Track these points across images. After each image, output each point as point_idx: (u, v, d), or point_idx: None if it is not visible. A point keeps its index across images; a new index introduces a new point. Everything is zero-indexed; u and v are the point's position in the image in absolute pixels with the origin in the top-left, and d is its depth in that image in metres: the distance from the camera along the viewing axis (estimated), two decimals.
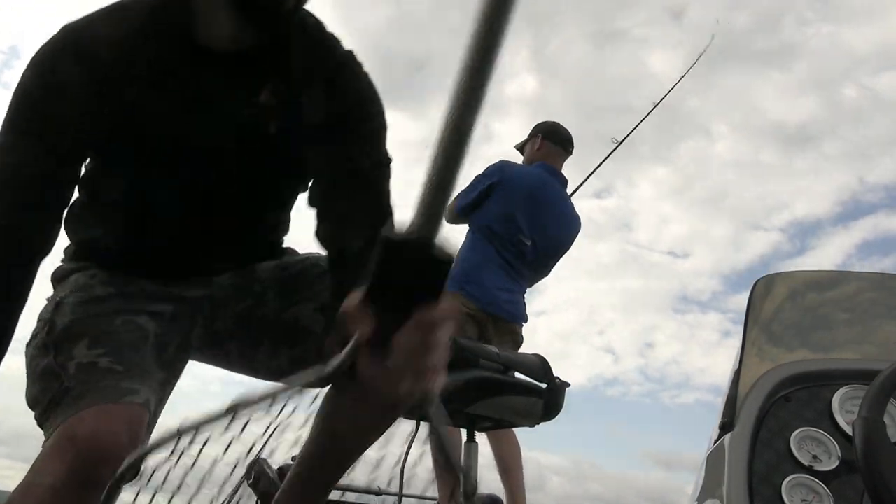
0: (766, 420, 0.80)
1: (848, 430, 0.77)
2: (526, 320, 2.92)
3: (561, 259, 3.09)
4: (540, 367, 1.88)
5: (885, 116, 10.71)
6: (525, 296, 2.97)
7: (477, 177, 2.94)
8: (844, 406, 0.80)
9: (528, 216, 2.89)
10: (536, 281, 3.09)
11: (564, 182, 3.10)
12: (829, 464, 0.76)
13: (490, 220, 2.86)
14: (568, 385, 1.87)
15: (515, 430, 2.77)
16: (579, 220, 3.12)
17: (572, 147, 3.15)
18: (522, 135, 3.25)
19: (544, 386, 1.85)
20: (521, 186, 2.90)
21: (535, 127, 3.17)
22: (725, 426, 0.82)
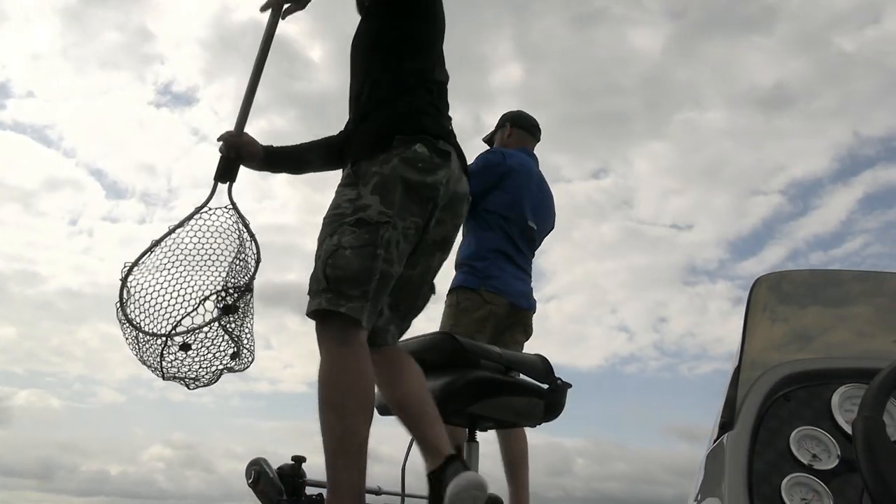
0: (765, 419, 0.79)
1: (848, 429, 0.77)
2: (535, 310, 2.94)
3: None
4: (541, 367, 1.88)
5: (872, 71, 10.67)
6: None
7: (480, 167, 2.92)
8: (844, 405, 0.80)
9: (531, 201, 2.92)
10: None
11: (537, 165, 3.15)
12: (829, 463, 0.75)
13: (501, 207, 2.87)
14: (569, 386, 1.87)
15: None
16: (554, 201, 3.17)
17: (540, 132, 3.20)
18: None
19: (545, 387, 1.84)
20: (523, 173, 2.92)
21: (501, 117, 3.22)
22: (725, 425, 0.82)
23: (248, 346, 1.76)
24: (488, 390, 1.74)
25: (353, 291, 1.64)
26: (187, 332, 1.73)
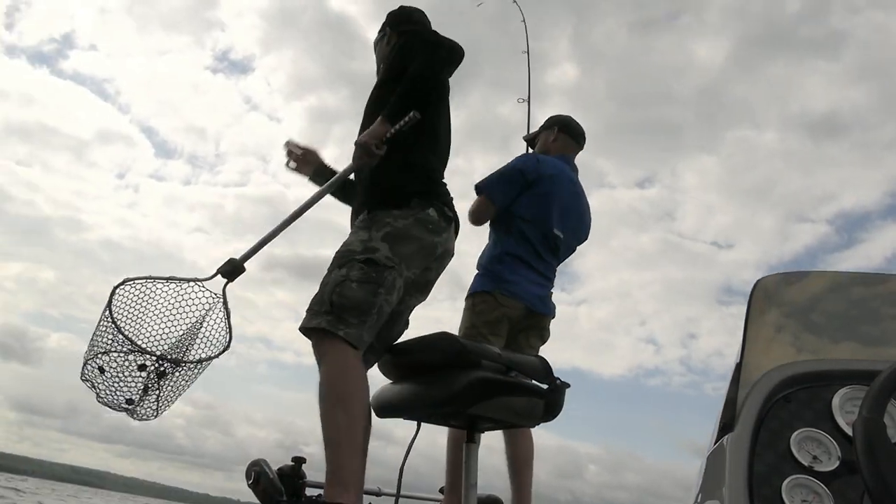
0: (766, 421, 0.79)
1: (848, 430, 0.77)
2: (554, 315, 2.92)
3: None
4: (541, 367, 1.88)
5: None
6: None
7: (510, 170, 2.92)
8: (845, 406, 0.80)
9: (560, 210, 2.89)
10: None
11: (576, 173, 3.11)
12: (830, 464, 0.75)
13: (528, 214, 2.85)
14: (568, 385, 1.87)
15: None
16: (590, 211, 3.14)
17: (584, 141, 3.17)
18: None
19: (545, 387, 1.84)
20: (556, 180, 2.90)
21: (549, 119, 3.18)
22: (725, 427, 0.82)
23: (152, 405, 1.95)
24: (489, 390, 1.74)
25: (353, 319, 1.86)
26: (110, 359, 1.92)
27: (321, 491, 1.96)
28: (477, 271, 2.89)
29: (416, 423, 1.93)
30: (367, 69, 2.58)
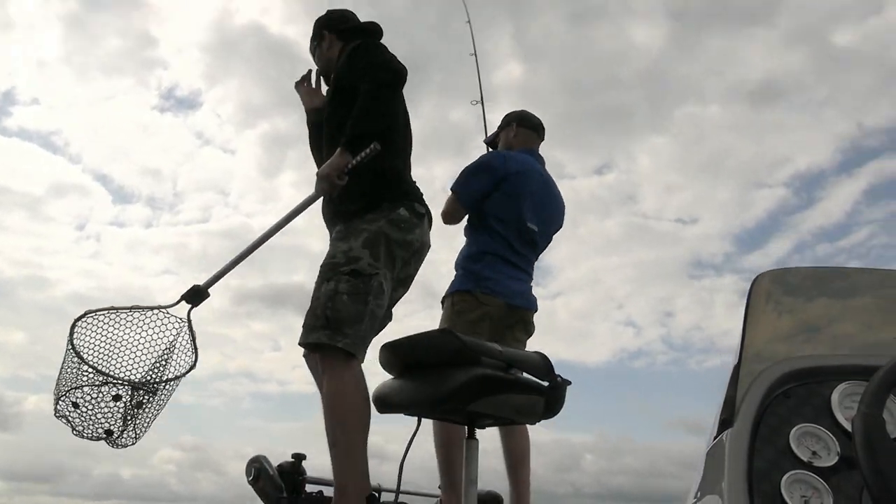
0: (765, 416, 0.79)
1: (847, 426, 0.77)
2: (537, 308, 2.93)
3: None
4: (542, 364, 1.88)
5: (875, 61, 10.59)
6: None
7: (475, 169, 2.93)
8: (844, 402, 0.80)
9: (532, 203, 2.90)
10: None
11: (543, 164, 3.12)
12: (829, 460, 0.75)
13: (497, 211, 2.85)
14: (569, 383, 1.87)
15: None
16: (563, 199, 3.15)
17: (544, 131, 3.18)
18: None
19: (546, 384, 1.84)
20: (524, 176, 2.90)
21: (505, 117, 3.21)
22: (725, 422, 0.82)
23: (131, 433, 1.97)
24: (490, 387, 1.74)
25: (349, 329, 1.98)
26: (83, 394, 1.93)
27: (321, 487, 1.97)
28: (455, 272, 2.89)
29: (416, 419, 1.93)
30: None
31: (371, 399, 2.03)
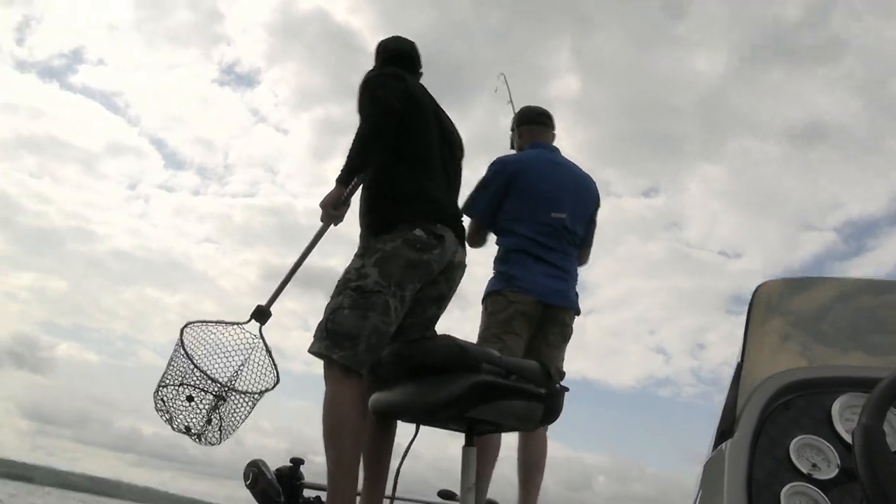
0: (765, 427, 0.79)
1: (848, 438, 0.76)
2: (578, 311, 2.86)
3: (596, 220, 3.05)
4: (540, 372, 1.88)
5: None
6: (576, 280, 2.91)
7: (476, 187, 2.92)
8: (844, 414, 0.79)
9: (550, 194, 2.86)
10: (586, 253, 3.05)
11: (557, 152, 3.06)
12: (829, 472, 0.75)
13: (514, 212, 2.84)
14: (567, 390, 1.87)
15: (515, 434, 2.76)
16: (587, 176, 3.07)
17: (549, 118, 3.14)
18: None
19: (544, 391, 1.84)
20: (529, 170, 2.89)
21: (512, 121, 3.20)
22: (724, 433, 0.82)
23: (213, 434, 2.15)
24: (489, 394, 1.74)
25: (346, 343, 2.05)
26: (195, 390, 2.15)
27: (319, 493, 1.96)
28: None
29: (414, 425, 1.93)
30: None
31: (370, 407, 2.03)
